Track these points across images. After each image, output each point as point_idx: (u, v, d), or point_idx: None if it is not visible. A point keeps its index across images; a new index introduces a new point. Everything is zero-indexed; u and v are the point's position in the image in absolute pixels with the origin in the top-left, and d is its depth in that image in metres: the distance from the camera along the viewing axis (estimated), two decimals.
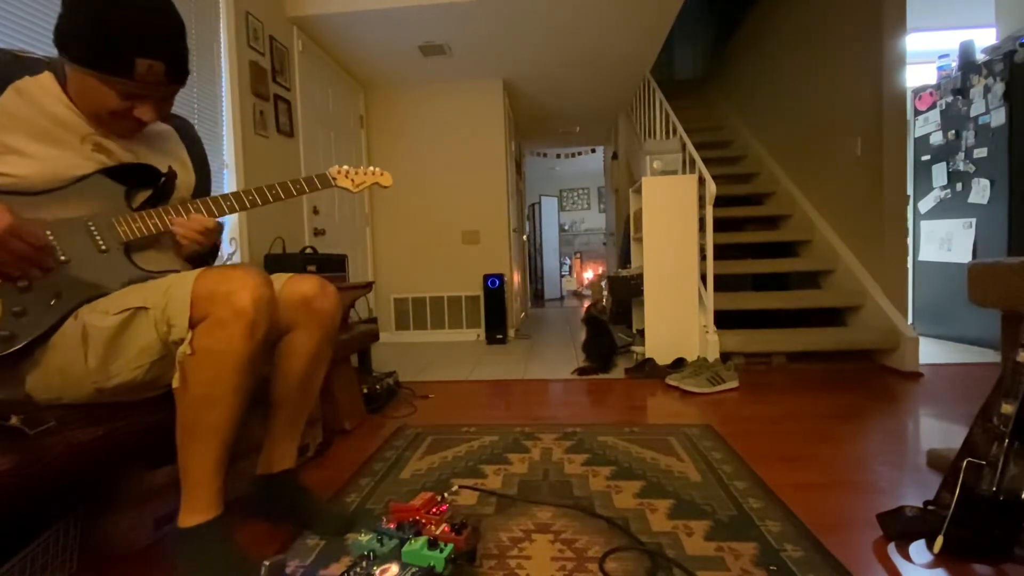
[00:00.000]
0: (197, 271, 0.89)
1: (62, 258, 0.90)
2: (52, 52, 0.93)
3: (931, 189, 3.39)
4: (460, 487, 1.30)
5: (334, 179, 1.19)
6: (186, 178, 1.14)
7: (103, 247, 0.94)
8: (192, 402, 0.86)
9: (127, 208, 0.98)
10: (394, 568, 0.85)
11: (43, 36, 1.54)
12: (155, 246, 1.03)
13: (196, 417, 0.87)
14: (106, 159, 0.97)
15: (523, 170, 6.50)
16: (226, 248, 2.29)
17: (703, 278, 2.72)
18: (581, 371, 2.69)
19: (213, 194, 1.16)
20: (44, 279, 0.89)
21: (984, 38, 3.34)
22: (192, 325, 0.85)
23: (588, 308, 3.09)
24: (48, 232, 0.89)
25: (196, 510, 0.88)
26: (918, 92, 3.44)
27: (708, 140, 4.66)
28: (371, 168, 1.24)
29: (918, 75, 3.53)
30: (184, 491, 0.88)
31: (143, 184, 1.01)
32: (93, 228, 0.94)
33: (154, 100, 0.95)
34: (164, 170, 1.05)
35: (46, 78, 0.94)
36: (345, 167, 1.20)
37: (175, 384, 0.86)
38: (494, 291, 3.91)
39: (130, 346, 0.88)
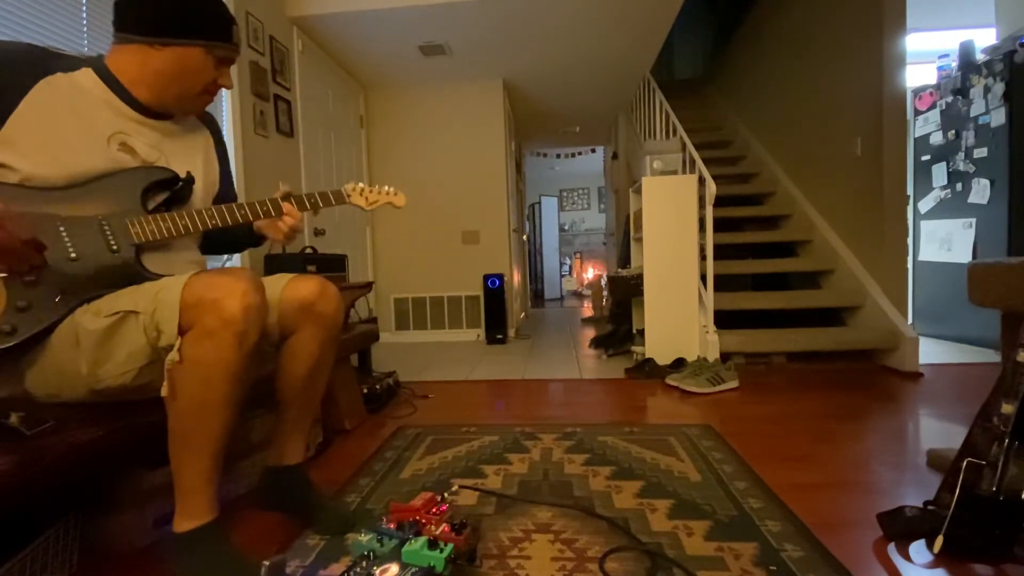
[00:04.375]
0: (187, 275, 0.87)
1: (72, 255, 0.90)
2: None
3: (931, 189, 3.39)
4: (460, 487, 1.30)
5: (348, 196, 1.17)
6: (212, 173, 1.16)
7: (114, 247, 0.94)
8: (181, 411, 0.85)
9: (142, 210, 0.98)
10: (394, 568, 0.85)
11: (43, 33, 1.54)
12: (167, 248, 1.03)
13: (186, 426, 0.85)
14: (129, 159, 0.98)
15: (523, 170, 6.50)
16: None
17: (703, 278, 2.72)
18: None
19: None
20: (51, 276, 0.88)
21: (984, 38, 3.34)
22: (181, 332, 0.84)
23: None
24: (61, 228, 0.90)
25: (190, 515, 0.87)
26: (918, 92, 3.44)
27: (708, 140, 4.66)
28: (386, 188, 1.22)
29: (918, 75, 3.53)
30: (178, 496, 0.88)
31: (161, 187, 1.02)
32: (106, 227, 0.94)
33: (230, 67, 1.06)
34: (189, 171, 1.06)
35: (84, 75, 0.95)
36: (360, 184, 1.19)
37: (163, 393, 0.85)
38: (494, 291, 3.91)
39: (119, 350, 0.87)
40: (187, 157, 1.09)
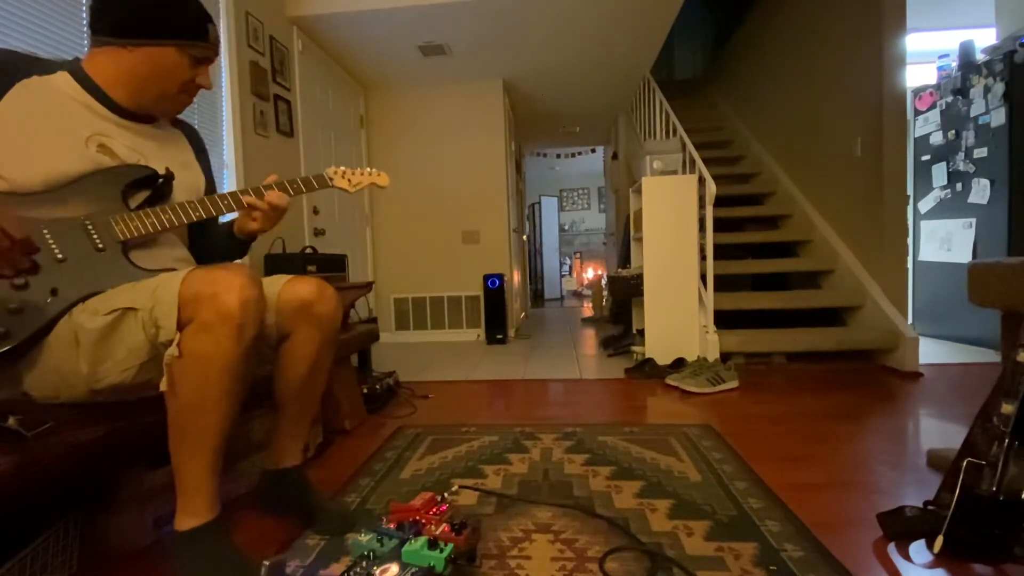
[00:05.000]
0: (185, 271, 0.88)
1: (59, 256, 0.90)
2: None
3: (931, 189, 3.39)
4: (460, 487, 1.30)
5: (331, 179, 1.18)
6: (193, 180, 1.14)
7: (100, 246, 0.94)
8: (181, 406, 0.85)
9: (125, 208, 0.98)
10: (394, 568, 0.85)
11: (41, 38, 1.54)
12: (153, 245, 1.03)
13: (186, 421, 0.85)
14: (108, 160, 0.98)
15: (523, 170, 6.50)
16: None
17: (703, 278, 2.72)
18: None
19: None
20: (41, 277, 0.88)
21: (984, 38, 3.34)
22: (180, 327, 0.84)
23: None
24: (44, 230, 0.89)
25: (192, 514, 0.87)
26: (918, 92, 3.44)
27: (708, 140, 4.66)
28: (368, 169, 1.24)
29: (918, 75, 3.53)
30: (179, 494, 0.88)
31: (141, 185, 1.01)
32: (90, 227, 0.94)
33: (208, 66, 1.05)
34: (168, 168, 1.05)
35: (60, 78, 0.95)
36: (342, 168, 1.21)
37: (163, 387, 0.85)
38: (494, 291, 3.91)
39: (118, 347, 0.87)
40: (167, 158, 1.09)
